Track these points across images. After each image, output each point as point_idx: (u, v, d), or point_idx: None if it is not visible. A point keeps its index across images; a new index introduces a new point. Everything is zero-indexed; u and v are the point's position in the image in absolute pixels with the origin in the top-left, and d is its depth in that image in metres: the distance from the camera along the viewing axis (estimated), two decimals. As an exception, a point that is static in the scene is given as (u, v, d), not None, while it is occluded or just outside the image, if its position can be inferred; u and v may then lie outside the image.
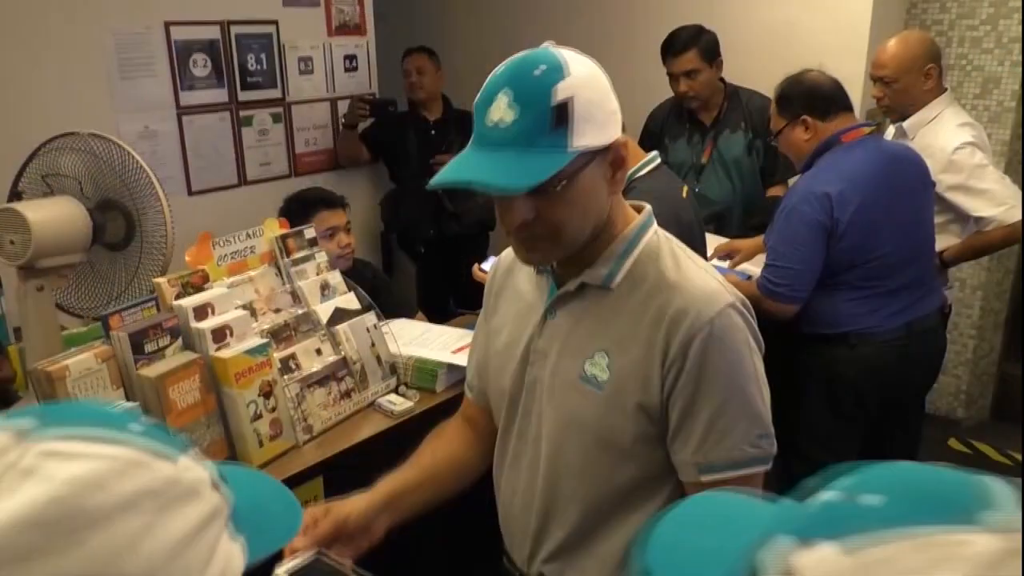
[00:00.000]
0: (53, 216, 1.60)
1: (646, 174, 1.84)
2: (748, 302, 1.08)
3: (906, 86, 2.54)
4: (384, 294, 2.26)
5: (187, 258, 1.66)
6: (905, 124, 2.61)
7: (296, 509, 0.67)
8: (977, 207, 2.45)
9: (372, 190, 3.73)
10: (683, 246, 1.14)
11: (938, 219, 2.43)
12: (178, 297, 1.55)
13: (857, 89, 3.19)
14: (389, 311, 2.02)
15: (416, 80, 3.51)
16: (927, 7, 3.44)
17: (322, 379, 1.67)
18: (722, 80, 2.94)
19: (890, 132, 2.75)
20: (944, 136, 2.50)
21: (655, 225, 1.12)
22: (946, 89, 2.60)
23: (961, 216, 2.51)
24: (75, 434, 0.48)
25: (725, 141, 2.91)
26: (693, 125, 2.97)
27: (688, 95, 2.86)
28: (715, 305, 1.02)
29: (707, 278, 1.06)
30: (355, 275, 2.18)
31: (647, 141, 2.99)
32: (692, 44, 2.81)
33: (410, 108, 3.61)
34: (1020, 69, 3.23)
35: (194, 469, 0.53)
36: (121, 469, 0.48)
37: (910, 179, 2.19)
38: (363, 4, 3.52)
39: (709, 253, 2.47)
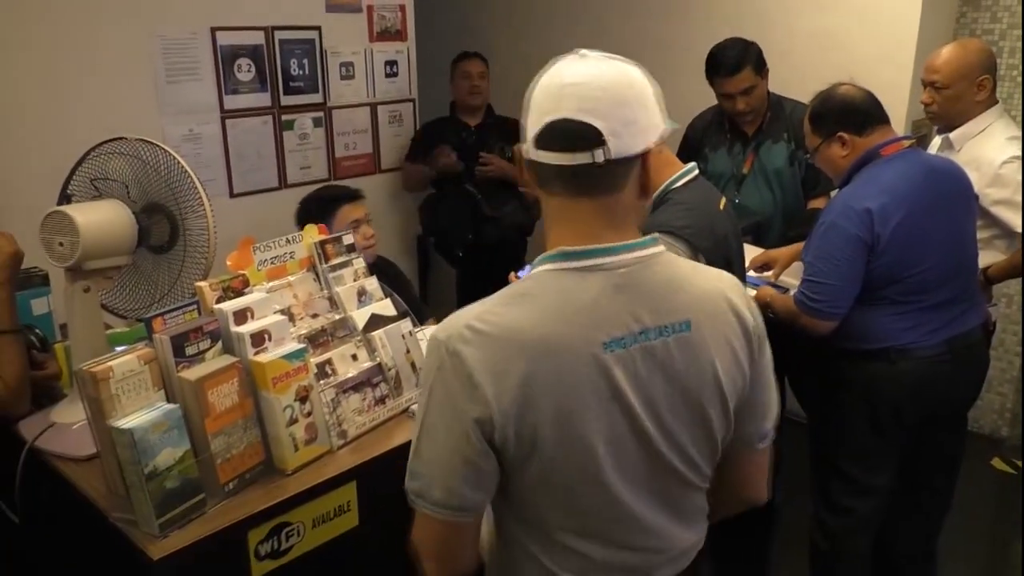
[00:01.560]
0: (101, 219, 1.64)
1: (682, 185, 1.83)
2: (473, 355, 1.06)
3: (957, 94, 2.48)
4: (403, 295, 2.26)
5: (228, 262, 1.68)
6: (952, 135, 2.56)
7: None
8: (1021, 223, 2.39)
9: (411, 194, 3.76)
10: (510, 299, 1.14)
11: (983, 234, 2.38)
12: (219, 301, 1.57)
13: (903, 99, 3.14)
14: None
15: (478, 84, 3.52)
16: (977, 16, 3.37)
17: (357, 385, 1.69)
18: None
19: (936, 144, 2.69)
20: (992, 149, 2.45)
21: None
22: (997, 101, 2.55)
23: (1007, 231, 2.45)
24: None
25: (767, 152, 2.87)
26: (734, 135, 2.93)
27: (746, 112, 2.82)
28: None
29: (466, 310, 1.13)
30: (377, 271, 2.19)
31: (684, 151, 2.97)
32: (745, 60, 2.73)
33: (451, 113, 3.64)
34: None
35: None
36: None
37: (951, 193, 2.13)
38: (404, 10, 3.56)
39: (747, 264, 2.44)
